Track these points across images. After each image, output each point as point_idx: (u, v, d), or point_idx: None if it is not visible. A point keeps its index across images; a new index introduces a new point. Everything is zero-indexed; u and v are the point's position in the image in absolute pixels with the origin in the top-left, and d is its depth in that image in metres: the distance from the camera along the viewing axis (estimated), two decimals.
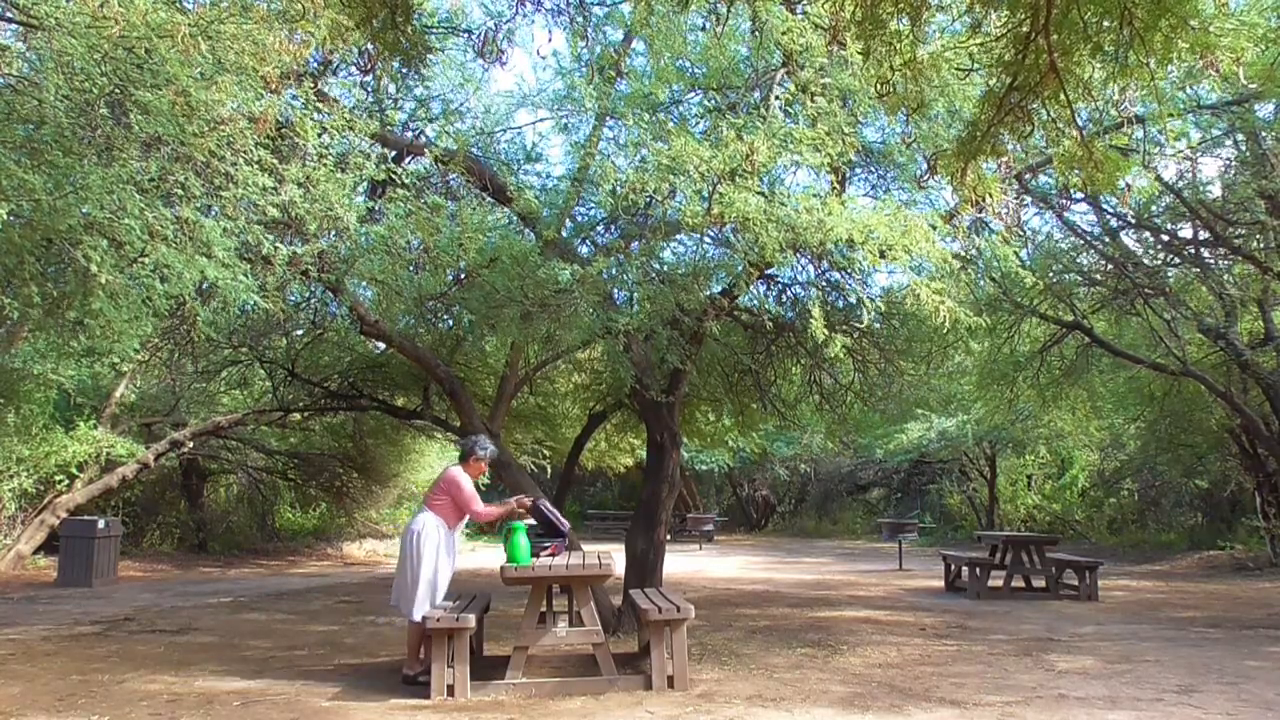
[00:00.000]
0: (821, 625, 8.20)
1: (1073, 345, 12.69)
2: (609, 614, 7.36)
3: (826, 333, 6.25)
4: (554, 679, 5.59)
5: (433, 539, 5.73)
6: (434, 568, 5.71)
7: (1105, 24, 3.15)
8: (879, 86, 3.85)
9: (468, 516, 5.98)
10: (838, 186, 7.02)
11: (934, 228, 6.34)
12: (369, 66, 7.52)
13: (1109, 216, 11.01)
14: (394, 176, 6.88)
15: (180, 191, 5.35)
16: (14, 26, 5.09)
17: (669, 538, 9.73)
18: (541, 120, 8.60)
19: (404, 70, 7.87)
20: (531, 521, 6.17)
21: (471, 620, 5.32)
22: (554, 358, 11.96)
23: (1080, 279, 12.05)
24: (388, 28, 4.59)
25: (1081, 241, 11.57)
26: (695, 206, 5.99)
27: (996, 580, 10.52)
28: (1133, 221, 10.98)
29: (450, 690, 5.23)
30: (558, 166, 12.64)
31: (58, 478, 12.63)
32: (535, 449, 17.50)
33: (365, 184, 7.12)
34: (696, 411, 12.19)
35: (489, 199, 7.82)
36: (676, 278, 7.03)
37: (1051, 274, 11.54)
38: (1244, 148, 9.71)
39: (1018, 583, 10.55)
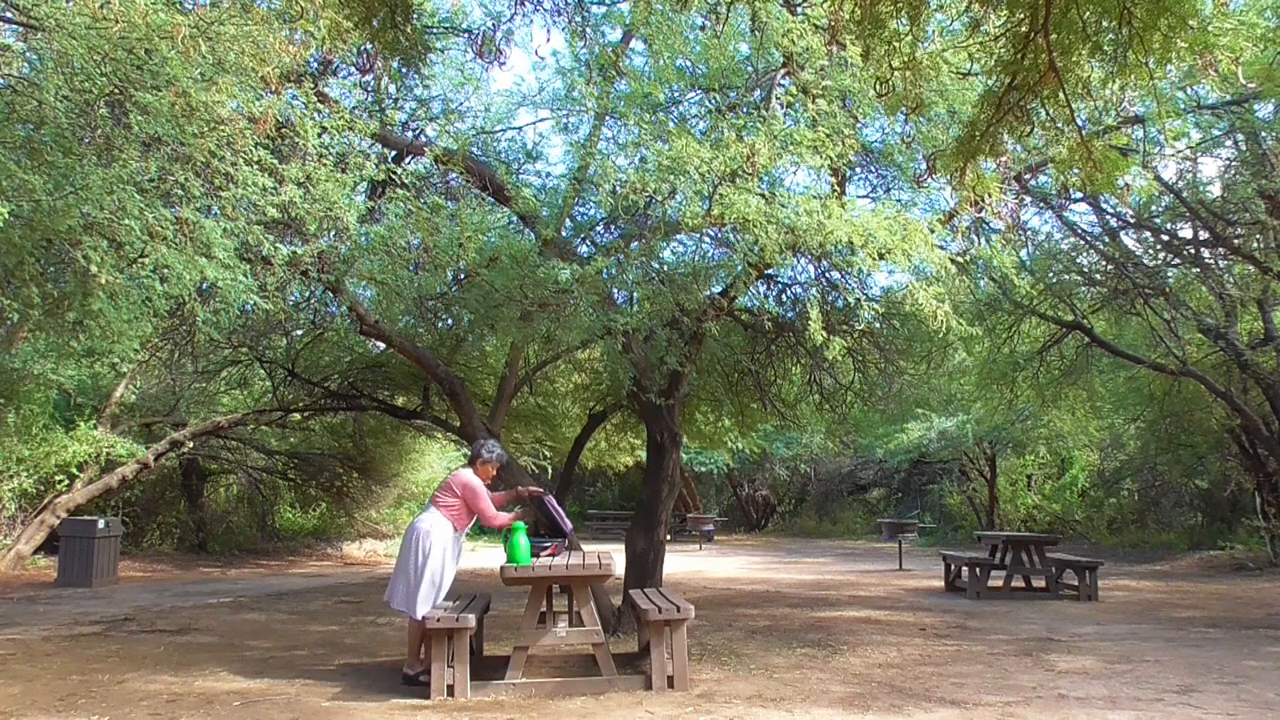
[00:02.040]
0: (821, 625, 8.20)
1: (1073, 345, 12.69)
2: (609, 614, 7.36)
3: (825, 335, 6.26)
4: (554, 679, 5.59)
5: (440, 539, 5.73)
6: (439, 567, 5.71)
7: (1104, 23, 3.15)
8: (878, 86, 3.85)
9: (473, 520, 5.98)
10: (838, 188, 7.02)
11: (932, 230, 6.34)
12: (368, 66, 7.53)
13: (1109, 216, 11.01)
14: (394, 176, 6.88)
15: (180, 192, 5.36)
16: (14, 27, 5.09)
17: (669, 538, 9.73)
18: (541, 120, 8.60)
19: (404, 70, 7.88)
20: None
21: (471, 620, 5.32)
22: (554, 358, 11.96)
23: (1080, 279, 12.05)
24: (387, 27, 4.60)
25: (1081, 241, 11.57)
26: (696, 207, 5.99)
27: (996, 580, 10.52)
28: (1133, 221, 10.99)
29: (450, 690, 5.24)
30: (558, 166, 12.65)
31: (58, 478, 12.63)
32: (535, 449, 17.50)
33: (365, 184, 7.13)
34: (696, 412, 12.19)
35: (489, 199, 7.82)
36: (676, 278, 7.03)
37: (1051, 274, 11.55)
38: (1244, 148, 9.70)
39: (1018, 583, 10.55)
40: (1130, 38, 3.09)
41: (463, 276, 7.54)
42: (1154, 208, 10.65)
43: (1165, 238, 11.34)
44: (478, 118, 8.39)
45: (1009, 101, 3.49)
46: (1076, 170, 3.97)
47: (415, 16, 6.73)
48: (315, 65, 7.11)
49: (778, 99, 6.50)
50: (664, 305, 6.72)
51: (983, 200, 5.40)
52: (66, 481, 12.71)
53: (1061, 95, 3.44)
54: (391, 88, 8.24)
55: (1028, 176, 8.37)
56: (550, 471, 18.84)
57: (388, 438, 15.66)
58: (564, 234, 7.53)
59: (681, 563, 15.40)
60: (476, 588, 8.95)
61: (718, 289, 7.66)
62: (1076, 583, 10.20)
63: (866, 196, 8.32)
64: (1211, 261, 11.46)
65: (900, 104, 4.10)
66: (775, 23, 6.09)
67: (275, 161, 5.68)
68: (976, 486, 21.91)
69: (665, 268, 7.46)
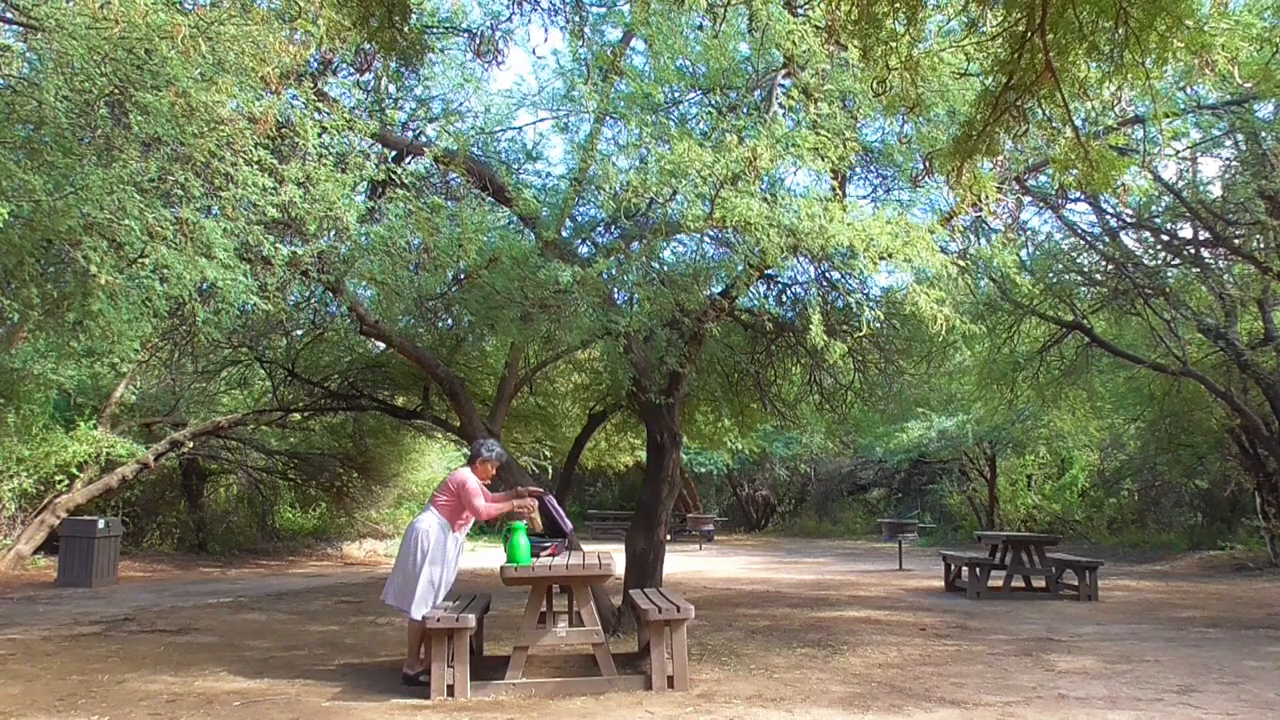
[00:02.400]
0: (822, 625, 8.21)
1: (1073, 345, 12.69)
2: (609, 614, 7.37)
3: (826, 339, 6.26)
4: (554, 679, 5.60)
5: (437, 539, 5.74)
6: (438, 567, 5.72)
7: (1101, 23, 3.16)
8: (875, 86, 3.85)
9: (470, 521, 5.99)
10: (838, 190, 7.03)
11: (932, 231, 6.34)
12: (367, 66, 7.53)
13: (1109, 216, 11.00)
14: (394, 176, 6.88)
15: (180, 192, 5.37)
16: (14, 27, 5.10)
17: (669, 538, 9.73)
18: (541, 120, 8.60)
19: (403, 70, 7.88)
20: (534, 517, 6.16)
21: (471, 620, 5.33)
22: (554, 358, 11.97)
23: (1080, 279, 12.05)
24: (385, 26, 4.60)
25: (1081, 241, 11.57)
26: (697, 210, 5.99)
27: (996, 580, 10.52)
28: (1132, 221, 10.98)
29: (450, 690, 5.24)
30: (558, 167, 12.66)
31: (58, 478, 12.64)
32: (535, 449, 17.51)
33: (365, 184, 7.13)
34: (696, 412, 12.20)
35: (489, 199, 7.82)
36: (677, 278, 7.03)
37: (1051, 274, 11.54)
38: (1244, 148, 9.70)
39: (1018, 583, 10.55)
40: (1127, 37, 3.09)
41: (463, 277, 7.54)
42: (1154, 208, 10.65)
43: (1165, 238, 11.34)
44: (478, 118, 8.39)
45: (1006, 101, 3.50)
46: (1074, 170, 3.97)
47: (414, 16, 6.73)
48: (315, 65, 7.11)
49: (778, 100, 6.51)
50: (664, 306, 6.72)
51: (980, 200, 5.40)
52: (66, 481, 12.72)
53: (1058, 95, 3.45)
54: (391, 88, 8.24)
55: (1027, 176, 8.38)
56: (550, 471, 18.85)
57: (388, 438, 15.66)
58: (564, 235, 7.53)
59: (681, 563, 15.40)
60: (476, 588, 8.95)
61: (718, 289, 7.67)
62: (1076, 583, 10.20)
63: (866, 197, 8.33)
64: (1211, 261, 11.45)
65: (899, 104, 4.11)
66: (777, 25, 6.09)
67: (275, 161, 5.68)
68: (976, 486, 21.91)
69: (666, 268, 7.46)
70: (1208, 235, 10.54)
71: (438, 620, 5.27)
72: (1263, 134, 9.13)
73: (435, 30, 7.80)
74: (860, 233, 5.89)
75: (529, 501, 5.98)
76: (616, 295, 7.44)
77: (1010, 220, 8.75)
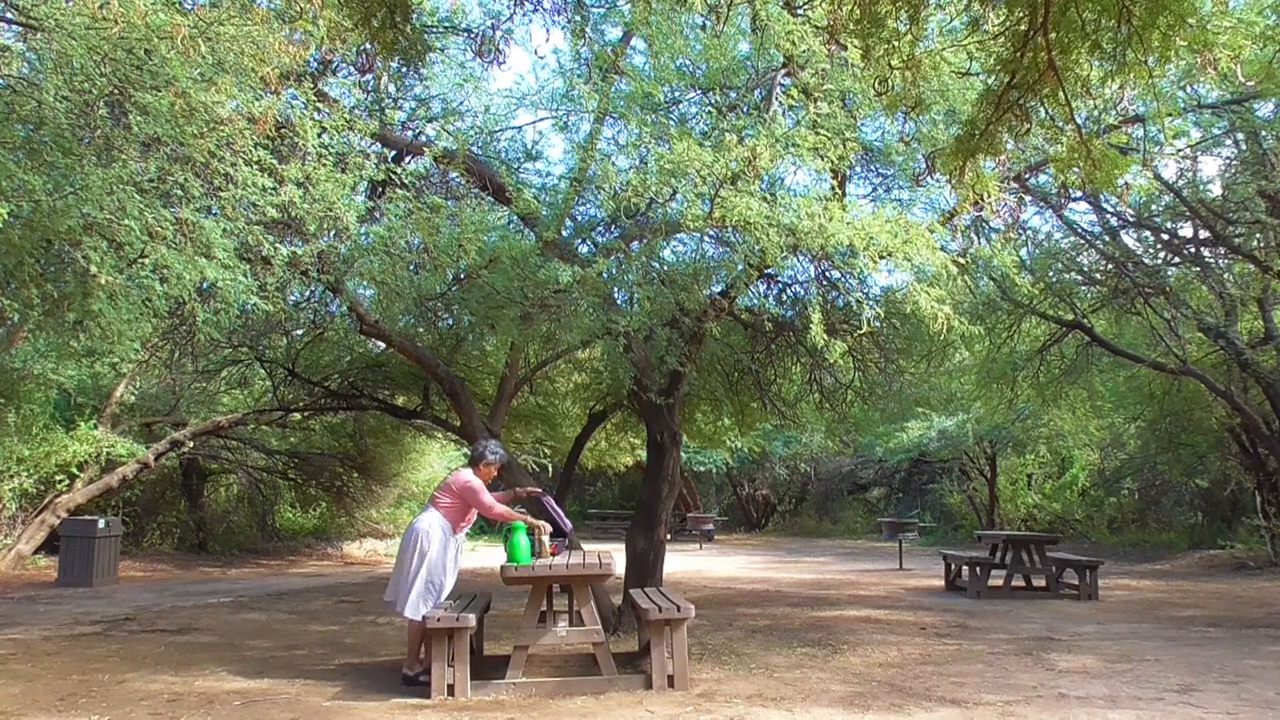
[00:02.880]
0: (822, 625, 8.21)
1: (1073, 344, 12.69)
2: (609, 614, 7.36)
3: (826, 338, 6.26)
4: (554, 679, 5.60)
5: (437, 539, 5.74)
6: (438, 568, 5.72)
7: (1104, 22, 3.16)
8: (876, 85, 3.85)
9: (471, 522, 6.00)
10: (838, 189, 7.02)
11: (932, 230, 6.34)
12: (368, 66, 7.53)
13: (1109, 216, 11.00)
14: (394, 176, 6.88)
15: (180, 192, 5.36)
16: (14, 27, 5.10)
17: (669, 537, 9.73)
18: (541, 120, 8.59)
19: (403, 70, 7.88)
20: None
21: (471, 620, 5.33)
22: (554, 357, 11.96)
23: (1080, 278, 12.05)
24: (386, 27, 4.60)
25: (1082, 241, 11.57)
26: (697, 209, 5.99)
27: (996, 580, 10.52)
28: (1133, 221, 10.98)
29: (450, 690, 5.24)
30: (558, 166, 12.66)
31: (58, 478, 12.64)
32: (535, 448, 17.50)
33: (365, 184, 7.12)
34: (696, 411, 12.19)
35: (489, 199, 7.82)
36: (677, 278, 7.03)
37: (1051, 273, 11.54)
38: (1244, 147, 9.70)
39: (1018, 582, 10.55)
40: (1129, 36, 3.09)
41: (463, 277, 7.53)
42: (1154, 207, 10.65)
43: (1165, 237, 11.34)
44: (477, 117, 8.37)
45: (1008, 100, 3.50)
46: (1076, 169, 3.97)
47: (415, 16, 6.72)
48: (315, 65, 7.11)
49: (778, 100, 6.50)
50: (664, 305, 6.72)
51: (982, 199, 5.40)
52: (67, 481, 12.72)
53: (1061, 94, 3.45)
54: (391, 87, 8.23)
55: (1028, 176, 8.37)
56: (550, 471, 18.84)
57: (388, 437, 15.66)
58: (564, 234, 7.53)
59: (682, 562, 15.40)
60: (476, 588, 8.95)
61: (718, 289, 7.66)
62: (1077, 582, 10.20)
63: (866, 196, 8.32)
64: (1212, 261, 11.46)
65: (900, 103, 4.11)
66: (776, 25, 6.09)
67: (275, 161, 5.68)
68: (977, 486, 21.91)
69: (665, 268, 7.46)
70: (1208, 234, 10.54)
71: (438, 620, 5.26)
72: (1263, 133, 9.13)
73: (435, 30, 7.79)
74: (860, 232, 5.89)
75: (545, 524, 5.99)
76: (616, 295, 7.44)
77: (1011, 220, 8.75)
